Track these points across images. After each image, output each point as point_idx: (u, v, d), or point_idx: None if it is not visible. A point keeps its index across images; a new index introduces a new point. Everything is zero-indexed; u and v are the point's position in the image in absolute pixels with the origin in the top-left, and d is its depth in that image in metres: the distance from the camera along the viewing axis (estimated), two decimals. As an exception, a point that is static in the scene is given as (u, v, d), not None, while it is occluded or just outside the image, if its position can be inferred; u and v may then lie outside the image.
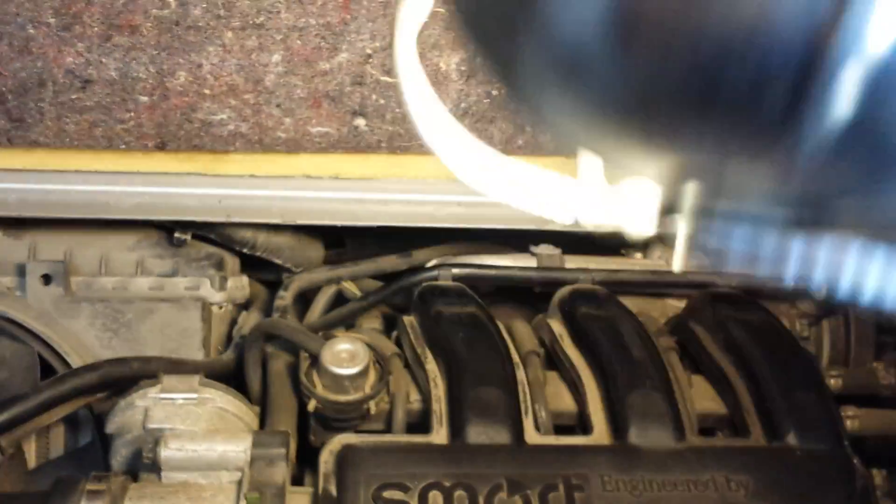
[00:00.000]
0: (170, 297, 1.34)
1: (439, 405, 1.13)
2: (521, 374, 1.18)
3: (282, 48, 1.08)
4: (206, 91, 1.12)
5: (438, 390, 1.15)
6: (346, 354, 1.16)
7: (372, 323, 1.41)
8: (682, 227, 0.57)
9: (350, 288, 1.46)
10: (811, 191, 0.47)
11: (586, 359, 1.22)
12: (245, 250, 1.40)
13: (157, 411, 1.07)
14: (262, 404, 1.18)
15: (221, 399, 1.11)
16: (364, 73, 1.14)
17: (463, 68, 1.13)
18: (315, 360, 1.15)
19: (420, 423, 1.15)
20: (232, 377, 1.29)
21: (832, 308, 1.43)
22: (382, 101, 1.18)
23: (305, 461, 1.14)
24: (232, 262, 1.41)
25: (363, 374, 1.14)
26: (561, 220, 0.60)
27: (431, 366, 1.19)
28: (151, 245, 1.37)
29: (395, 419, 1.15)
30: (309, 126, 1.19)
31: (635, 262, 1.44)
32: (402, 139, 1.24)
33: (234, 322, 1.42)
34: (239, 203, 1.28)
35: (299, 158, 1.24)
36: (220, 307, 1.38)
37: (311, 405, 1.14)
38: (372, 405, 1.15)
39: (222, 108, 1.14)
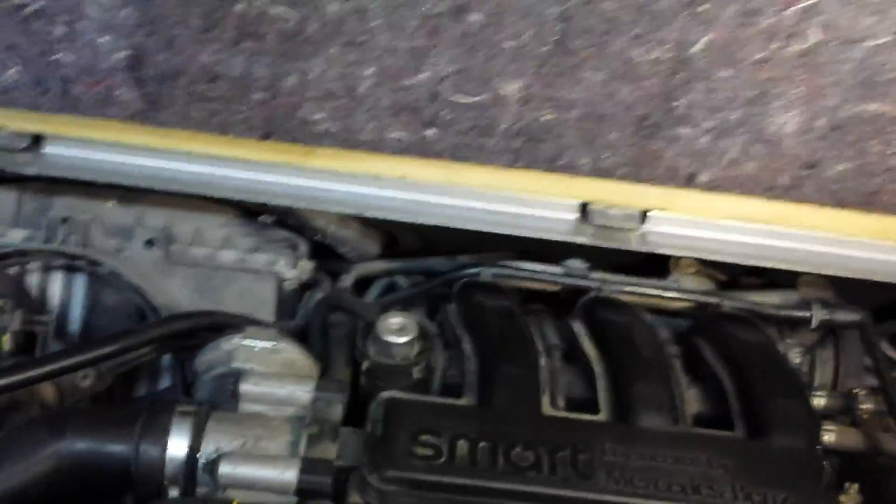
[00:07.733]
0: (251, 269, 1.58)
1: (471, 378, 1.34)
2: (543, 360, 1.39)
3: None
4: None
5: (471, 365, 1.36)
6: (397, 326, 1.37)
7: (417, 310, 1.62)
8: None
9: (401, 282, 1.69)
10: None
11: (601, 355, 1.42)
12: (316, 237, 1.63)
13: (240, 353, 1.29)
14: (323, 362, 1.40)
15: (292, 350, 1.33)
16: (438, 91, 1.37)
17: (520, 95, 1.35)
18: (370, 329, 1.37)
19: (454, 392, 1.35)
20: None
21: (824, 340, 1.62)
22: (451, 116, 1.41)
23: (356, 416, 1.35)
24: (304, 247, 1.64)
25: (410, 344, 1.36)
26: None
27: (467, 346, 1.40)
28: (239, 224, 1.61)
29: (433, 385, 1.36)
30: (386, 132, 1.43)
31: (656, 285, 1.63)
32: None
33: (299, 299, 1.64)
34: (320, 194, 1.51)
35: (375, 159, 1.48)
36: (291, 283, 1.61)
37: (365, 365, 1.35)
38: (415, 371, 1.36)
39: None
